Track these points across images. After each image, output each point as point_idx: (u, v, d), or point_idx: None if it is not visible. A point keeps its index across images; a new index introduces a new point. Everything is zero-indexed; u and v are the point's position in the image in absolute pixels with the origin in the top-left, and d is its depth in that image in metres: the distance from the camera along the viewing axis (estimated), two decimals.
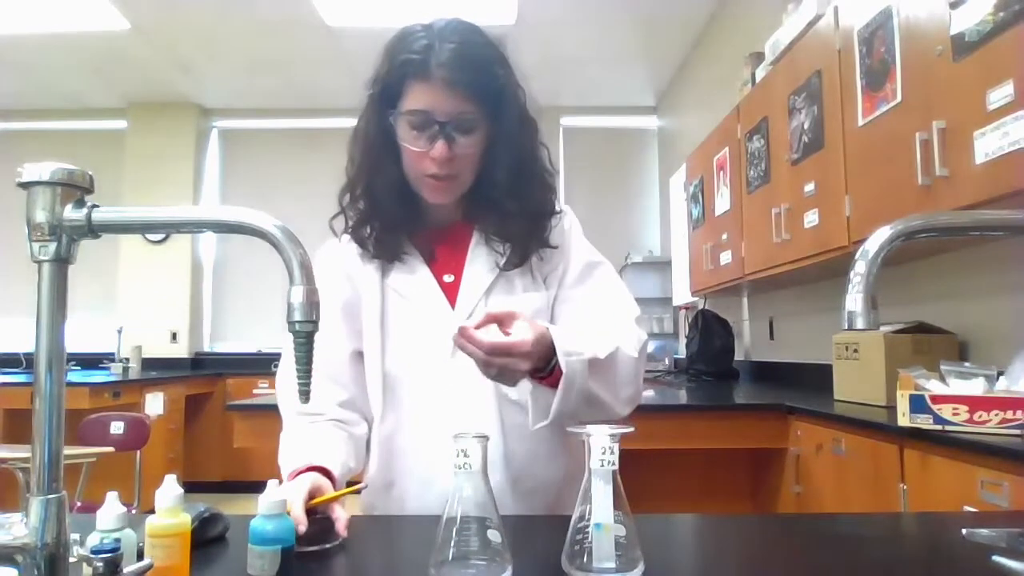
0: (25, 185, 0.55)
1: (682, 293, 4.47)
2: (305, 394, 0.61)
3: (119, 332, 5.37)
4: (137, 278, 5.71)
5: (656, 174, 5.86)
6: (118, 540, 0.60)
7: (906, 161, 1.79)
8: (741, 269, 3.10)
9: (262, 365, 5.45)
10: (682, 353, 4.38)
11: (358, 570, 0.79)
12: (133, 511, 2.08)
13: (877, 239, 0.72)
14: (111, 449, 2.96)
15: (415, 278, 1.06)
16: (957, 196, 1.64)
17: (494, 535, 0.67)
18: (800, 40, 2.51)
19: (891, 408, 1.85)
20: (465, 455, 0.68)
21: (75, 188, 0.56)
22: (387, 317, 1.06)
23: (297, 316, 0.57)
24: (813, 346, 3.03)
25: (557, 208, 1.10)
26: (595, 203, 5.69)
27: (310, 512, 0.81)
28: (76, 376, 4.27)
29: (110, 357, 5.21)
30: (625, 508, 0.68)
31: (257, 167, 6.00)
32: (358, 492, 0.98)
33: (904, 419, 1.61)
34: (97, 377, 4.30)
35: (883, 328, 2.10)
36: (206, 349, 5.92)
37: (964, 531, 0.83)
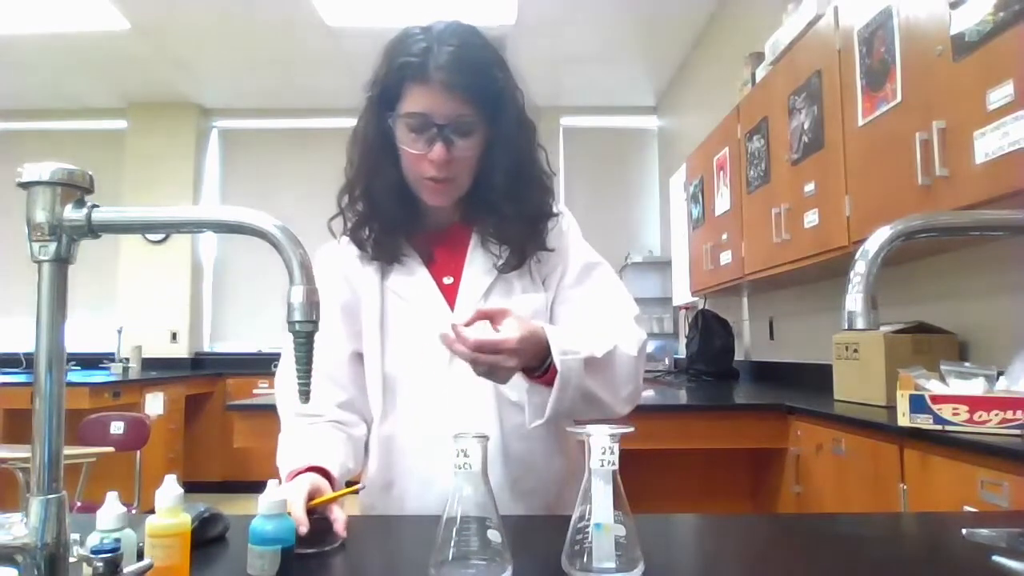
0: (25, 185, 0.55)
1: (682, 293, 4.47)
2: (305, 394, 0.62)
3: (119, 332, 5.37)
4: (137, 278, 5.71)
5: (656, 174, 5.86)
6: (118, 540, 0.60)
7: (906, 161, 1.79)
8: (741, 269, 3.10)
9: (262, 365, 5.44)
10: (682, 353, 4.38)
11: (358, 570, 0.79)
12: (133, 511, 2.09)
13: (877, 239, 0.72)
14: (111, 449, 2.96)
15: (414, 280, 1.06)
16: (957, 196, 1.64)
17: (494, 535, 0.68)
18: (800, 40, 2.51)
19: (891, 408, 1.85)
20: (465, 455, 0.68)
21: (75, 188, 0.56)
22: (386, 319, 1.06)
23: (297, 316, 0.57)
24: (813, 346, 3.03)
25: (555, 210, 1.10)
26: (595, 203, 5.69)
27: (309, 513, 0.81)
28: (76, 376, 4.27)
29: (110, 357, 5.21)
30: (625, 508, 0.68)
31: (257, 167, 6.00)
32: (356, 492, 0.98)
33: (904, 419, 1.61)
34: (97, 377, 4.30)
35: (883, 328, 2.10)
36: (206, 349, 5.92)
37: (964, 531, 0.83)
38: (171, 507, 0.66)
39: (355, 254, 1.08)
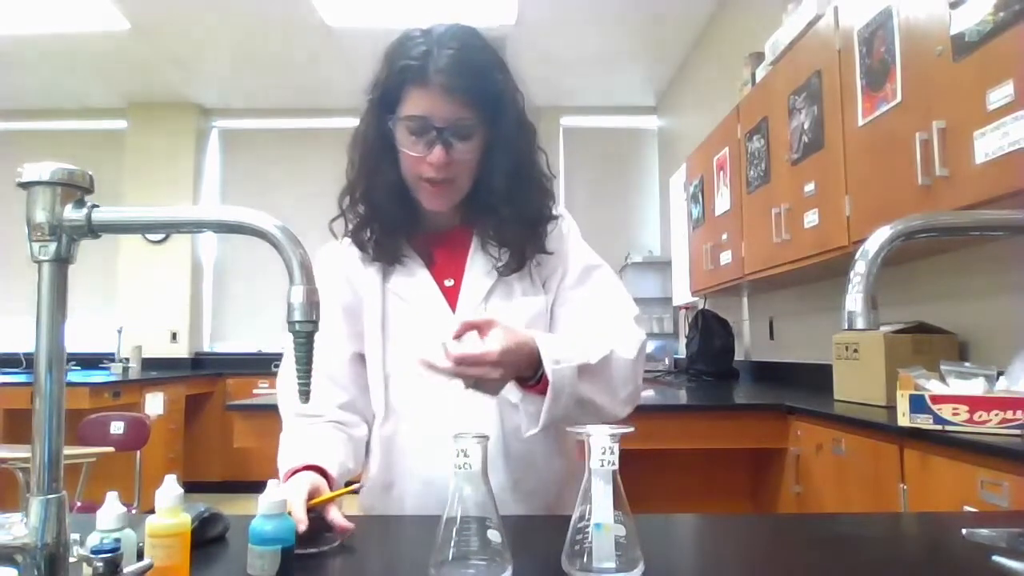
0: (25, 185, 0.55)
1: (682, 293, 4.47)
2: (305, 394, 0.62)
3: (119, 332, 5.37)
4: (137, 278, 5.71)
5: (656, 174, 5.86)
6: (118, 540, 0.60)
7: (906, 161, 1.79)
8: (741, 269, 3.10)
9: (262, 365, 5.45)
10: (682, 353, 4.38)
11: (358, 570, 0.79)
12: (133, 511, 2.09)
13: (877, 239, 0.72)
14: (111, 449, 2.96)
15: (415, 281, 1.07)
16: (957, 196, 1.64)
17: (494, 535, 0.68)
18: (800, 40, 2.51)
19: (891, 408, 1.85)
20: (465, 455, 0.68)
21: (75, 188, 0.56)
22: (388, 320, 1.07)
23: (297, 316, 0.57)
24: (813, 346, 3.03)
25: (555, 213, 1.10)
26: (595, 203, 5.69)
27: (308, 512, 0.81)
28: (76, 376, 4.27)
29: (110, 357, 5.21)
30: (625, 508, 0.68)
31: (257, 167, 6.00)
32: (356, 492, 0.98)
33: (904, 419, 1.61)
34: (97, 377, 4.30)
35: (883, 328, 2.10)
36: (206, 349, 5.92)
37: (964, 531, 0.83)
38: (171, 507, 0.66)
39: (356, 255, 1.09)
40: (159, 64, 5.09)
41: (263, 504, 0.70)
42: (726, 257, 3.29)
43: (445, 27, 0.99)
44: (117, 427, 3.07)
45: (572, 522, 0.69)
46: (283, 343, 0.89)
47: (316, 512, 0.84)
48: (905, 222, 0.73)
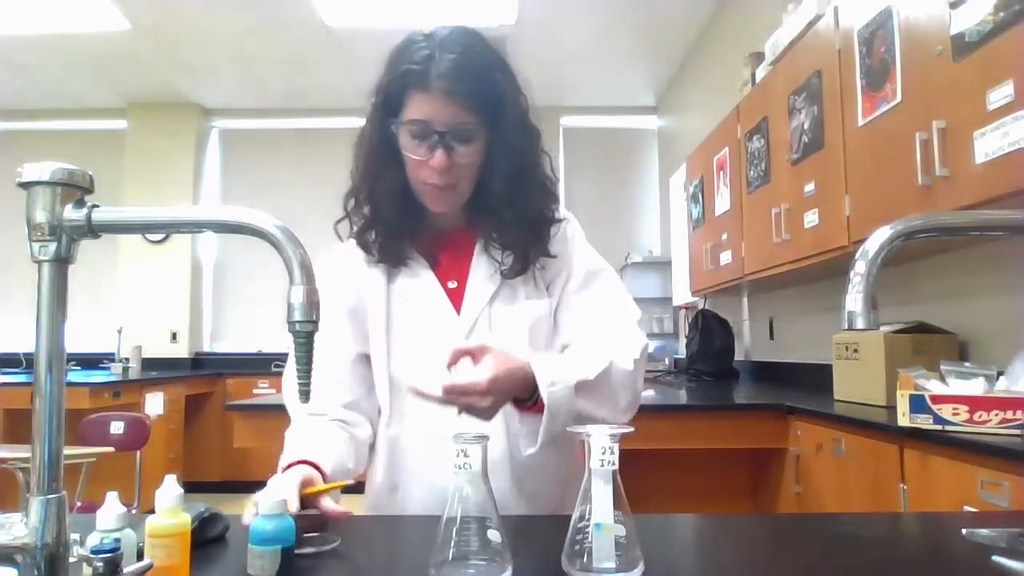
0: (25, 185, 0.55)
1: (682, 293, 4.47)
2: (305, 394, 0.62)
3: (119, 332, 5.37)
4: (137, 278, 5.71)
5: (656, 174, 5.86)
6: (118, 540, 0.60)
7: (906, 161, 1.79)
8: (741, 269, 3.10)
9: (262, 365, 5.45)
10: (682, 353, 4.38)
11: (358, 570, 0.79)
12: (133, 511, 2.08)
13: (877, 239, 0.72)
14: (111, 449, 2.96)
15: (419, 283, 1.08)
16: (957, 196, 1.64)
17: (494, 535, 0.68)
18: (800, 40, 2.51)
19: (891, 408, 1.85)
20: (465, 455, 0.68)
21: (75, 188, 0.56)
22: (392, 322, 1.07)
23: (297, 316, 0.57)
24: (813, 346, 3.03)
25: (559, 216, 1.10)
26: (595, 203, 5.69)
27: (302, 502, 0.82)
28: (76, 376, 4.27)
29: (110, 357, 5.21)
30: (625, 508, 0.68)
31: (257, 167, 6.00)
32: (345, 484, 0.98)
33: (904, 419, 1.61)
34: (97, 377, 4.30)
35: (883, 328, 2.10)
36: (206, 349, 5.92)
37: (964, 531, 0.83)
38: (171, 507, 0.66)
39: (361, 257, 1.09)
40: (159, 64, 5.09)
41: (263, 504, 0.70)
42: (726, 257, 3.29)
43: (448, 30, 0.99)
44: (117, 427, 3.07)
45: (572, 522, 0.69)
46: (288, 343, 0.89)
47: (311, 505, 0.84)
48: (905, 222, 0.73)
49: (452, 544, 0.67)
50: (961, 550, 0.81)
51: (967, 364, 1.68)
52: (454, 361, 0.89)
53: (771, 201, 2.71)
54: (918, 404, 1.58)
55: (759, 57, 3.00)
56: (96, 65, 5.08)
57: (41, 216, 0.55)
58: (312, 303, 0.57)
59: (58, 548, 0.53)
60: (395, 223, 1.05)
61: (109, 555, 0.56)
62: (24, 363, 5.01)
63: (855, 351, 2.24)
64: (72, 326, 0.54)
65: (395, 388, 1.07)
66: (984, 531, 0.82)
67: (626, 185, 5.96)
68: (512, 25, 4.16)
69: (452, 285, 1.08)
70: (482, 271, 1.07)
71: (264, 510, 0.70)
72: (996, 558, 0.72)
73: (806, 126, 2.42)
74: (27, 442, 0.58)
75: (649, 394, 2.91)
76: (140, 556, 0.65)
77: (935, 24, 1.71)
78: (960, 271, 2.13)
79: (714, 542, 0.93)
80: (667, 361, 4.62)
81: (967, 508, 1.39)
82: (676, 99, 5.35)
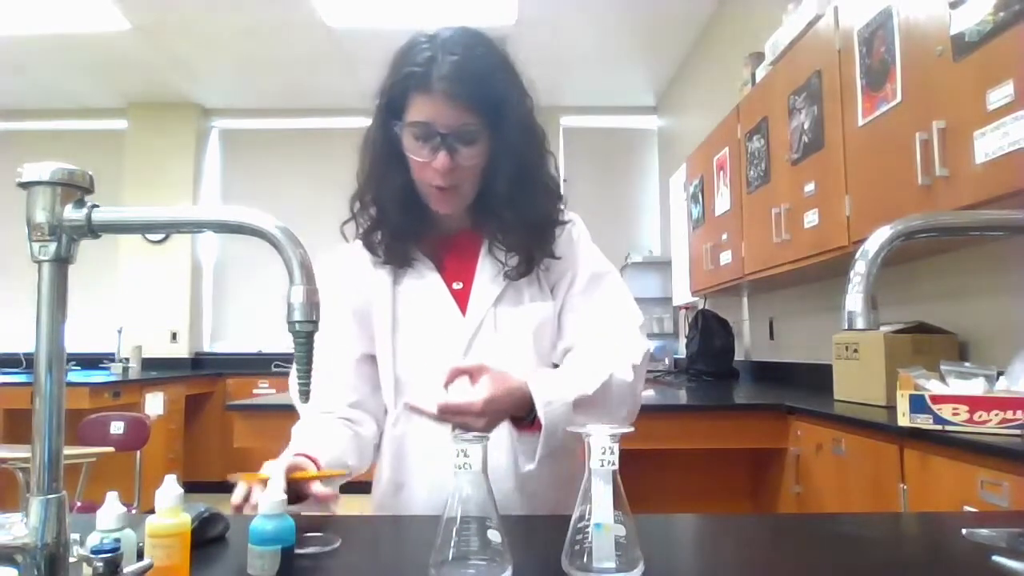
0: (25, 185, 0.55)
1: (682, 293, 4.47)
2: (305, 394, 0.62)
3: (119, 332, 5.37)
4: (137, 278, 5.71)
5: (656, 174, 5.86)
6: (118, 540, 0.60)
7: (906, 161, 1.79)
8: (741, 269, 3.10)
9: (262, 365, 5.45)
10: (682, 353, 4.38)
11: (358, 570, 0.79)
12: (133, 511, 2.08)
13: (877, 239, 0.72)
14: (111, 449, 2.96)
15: (425, 284, 1.08)
16: (957, 196, 1.64)
17: (494, 535, 0.68)
18: (800, 40, 2.51)
19: (891, 408, 1.85)
20: (465, 455, 0.68)
21: (75, 188, 0.56)
22: (398, 322, 1.08)
23: (297, 316, 0.57)
24: (813, 346, 3.03)
25: (564, 218, 1.10)
26: (595, 203, 5.69)
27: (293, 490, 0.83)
28: (76, 376, 4.27)
29: (110, 357, 5.21)
30: (625, 508, 0.68)
31: (257, 167, 6.00)
32: (342, 475, 0.98)
33: (904, 419, 1.61)
34: (97, 377, 4.30)
35: (883, 328, 2.10)
36: (206, 349, 5.92)
37: (964, 531, 0.83)
38: (171, 507, 0.66)
39: (367, 258, 1.10)
40: (159, 64, 5.09)
41: (263, 504, 0.70)
42: (726, 257, 3.29)
43: (451, 31, 0.99)
44: (117, 427, 3.07)
45: (572, 522, 0.69)
46: (289, 343, 0.90)
47: (300, 491, 0.85)
48: (905, 222, 0.73)
49: (452, 544, 0.67)
50: (961, 550, 0.81)
51: (967, 364, 1.68)
52: (451, 380, 0.90)
53: (771, 201, 2.71)
54: (918, 404, 1.58)
55: (759, 57, 3.00)
56: (96, 65, 5.08)
57: (41, 216, 0.55)
58: (312, 303, 0.57)
59: (58, 548, 0.53)
60: (400, 224, 1.06)
61: (109, 555, 0.55)
62: (24, 363, 5.01)
63: (855, 351, 2.24)
64: (72, 326, 0.54)
65: (400, 388, 1.07)
66: (984, 531, 0.82)
67: (626, 185, 5.96)
68: (512, 25, 4.16)
69: (457, 286, 1.08)
70: (487, 272, 1.07)
71: (264, 510, 0.70)
72: (996, 558, 0.72)
73: (806, 126, 2.42)
74: (27, 442, 0.58)
75: (649, 394, 2.91)
76: (140, 556, 0.65)
77: (935, 24, 1.71)
78: (960, 271, 2.13)
79: (714, 542, 0.93)
80: (667, 361, 4.62)
81: (967, 508, 1.39)
82: (676, 99, 5.35)
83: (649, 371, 4.29)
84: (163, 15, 4.31)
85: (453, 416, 0.87)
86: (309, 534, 0.81)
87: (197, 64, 5.12)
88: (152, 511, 0.67)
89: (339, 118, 5.59)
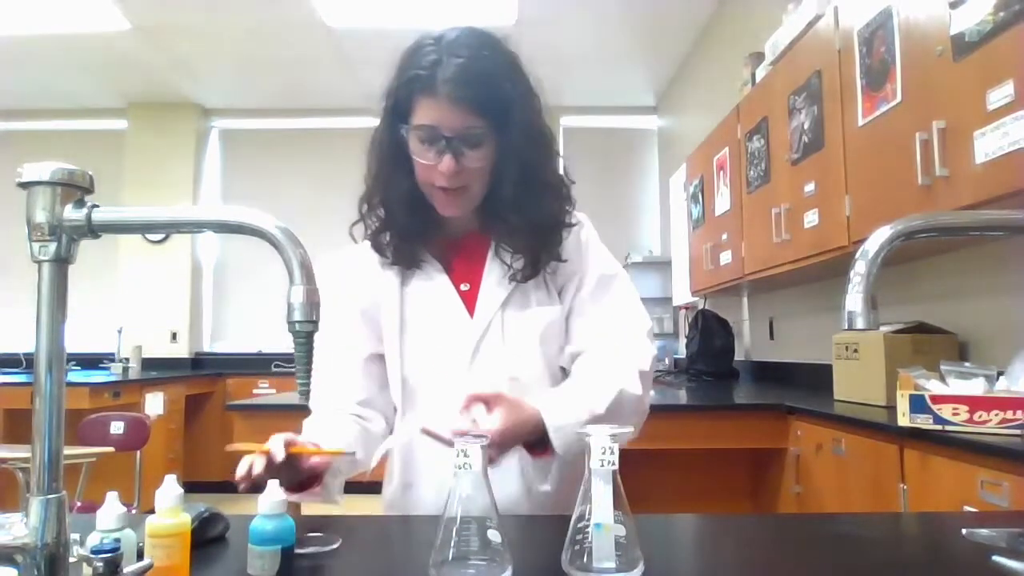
0: (25, 185, 0.55)
1: (682, 293, 4.47)
2: (305, 393, 0.62)
3: (119, 332, 5.37)
4: (137, 278, 5.70)
5: (656, 174, 5.86)
6: (118, 540, 0.60)
7: (906, 161, 1.79)
8: (741, 269, 3.10)
9: (262, 365, 5.45)
10: (682, 353, 4.38)
11: (358, 570, 0.79)
12: (133, 511, 2.08)
13: (877, 239, 0.72)
14: (111, 449, 2.96)
15: (433, 285, 1.09)
16: (957, 196, 1.64)
17: (494, 535, 0.67)
18: (800, 40, 2.51)
19: (891, 408, 1.85)
20: (465, 455, 0.68)
21: (75, 188, 0.56)
22: (406, 324, 1.09)
23: (297, 316, 0.57)
24: (813, 346, 3.03)
25: (572, 220, 1.10)
26: (595, 203, 5.65)
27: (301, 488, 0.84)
28: (76, 376, 4.27)
29: (110, 357, 5.21)
30: (625, 508, 0.68)
31: (257, 167, 6.00)
32: (343, 455, 0.98)
33: (904, 419, 1.61)
34: (97, 377, 4.30)
35: (883, 328, 2.10)
36: (206, 349, 5.92)
37: (964, 531, 0.83)
38: (171, 507, 0.66)
39: (375, 259, 1.11)
40: (159, 64, 5.09)
41: (263, 504, 0.70)
42: (726, 257, 3.29)
43: (458, 32, 0.99)
44: (117, 427, 3.06)
45: (572, 522, 0.69)
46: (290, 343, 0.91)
47: (298, 465, 0.85)
48: (905, 222, 0.73)
49: (452, 544, 0.67)
50: (961, 550, 0.81)
51: (967, 364, 1.68)
52: (468, 406, 0.90)
53: (771, 201, 2.71)
54: (918, 404, 1.58)
55: (759, 57, 3.00)
56: (96, 65, 5.08)
57: (41, 216, 0.55)
58: (312, 303, 0.57)
59: (58, 548, 0.53)
60: (408, 226, 1.06)
61: (109, 555, 0.56)
62: (24, 363, 5.00)
63: (855, 351, 2.24)
64: (72, 326, 0.54)
65: (408, 389, 1.08)
66: (984, 531, 0.82)
67: (626, 185, 5.96)
68: (512, 25, 4.16)
69: (465, 288, 1.09)
70: (495, 275, 1.08)
71: (264, 510, 0.70)
72: (996, 558, 0.72)
73: (806, 126, 2.42)
74: (27, 442, 0.58)
75: (649, 394, 2.90)
76: (140, 556, 0.65)
77: (935, 24, 1.71)
78: (960, 271, 2.13)
79: (714, 542, 0.93)
80: (667, 361, 4.62)
81: (967, 508, 1.39)
82: (676, 99, 5.35)
83: None
84: (163, 15, 4.31)
85: None
86: (309, 534, 0.81)
87: (197, 64, 5.12)
88: (152, 511, 0.67)
89: (339, 118, 5.59)
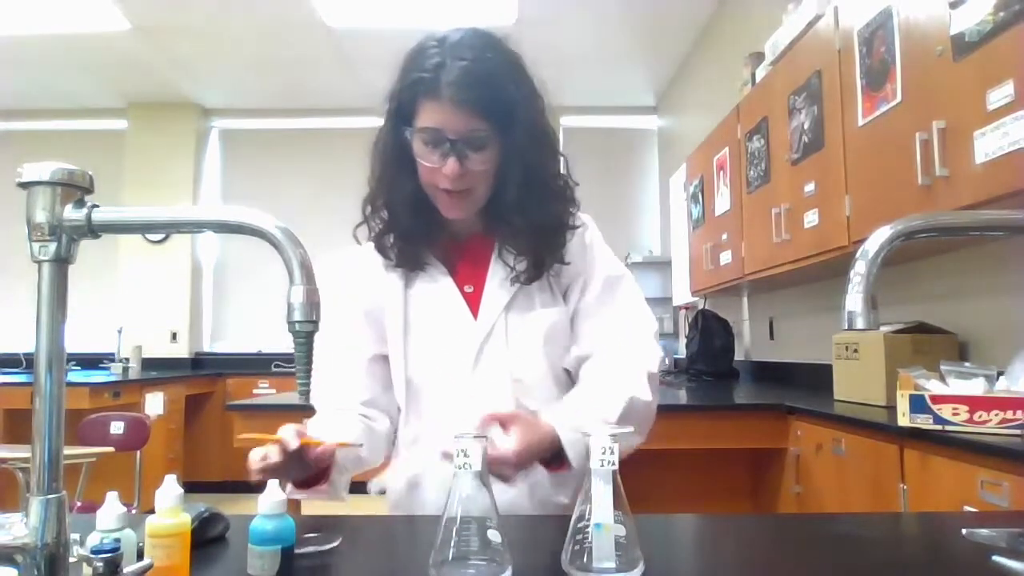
0: (25, 185, 0.55)
1: (682, 293, 4.47)
2: (304, 393, 0.62)
3: (119, 332, 5.37)
4: (137, 278, 5.70)
5: (656, 174, 5.86)
6: (118, 540, 0.60)
7: (906, 161, 1.79)
8: (741, 269, 3.10)
9: (262, 365, 5.45)
10: (682, 353, 4.38)
11: (358, 570, 0.79)
12: (133, 511, 2.08)
13: (877, 239, 0.72)
14: (111, 449, 2.96)
15: (437, 287, 1.09)
16: (957, 196, 1.64)
17: (494, 535, 0.67)
18: (800, 40, 2.51)
19: (891, 408, 1.85)
20: (465, 455, 0.68)
21: (75, 188, 0.56)
22: (409, 325, 1.09)
23: (297, 316, 0.57)
24: (813, 346, 3.03)
25: (576, 222, 1.10)
26: (595, 203, 5.63)
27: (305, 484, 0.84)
28: (76, 376, 4.26)
29: (110, 357, 5.21)
30: (625, 508, 0.68)
31: (257, 167, 6.00)
32: (351, 446, 0.98)
33: (904, 419, 1.61)
34: (97, 377, 4.30)
35: (883, 328, 2.10)
36: (206, 349, 5.92)
37: (964, 531, 0.83)
38: (171, 507, 0.66)
39: (379, 261, 1.11)
40: (159, 64, 5.09)
41: (263, 504, 0.70)
42: (726, 257, 3.29)
43: (461, 34, 0.99)
44: (117, 427, 3.06)
45: (572, 522, 0.69)
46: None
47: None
48: (905, 222, 0.73)
49: (452, 544, 0.67)
50: (961, 550, 0.81)
51: (967, 364, 1.68)
52: (485, 427, 0.91)
53: (771, 201, 2.71)
54: (918, 404, 1.58)
55: (759, 57, 3.00)
56: (96, 65, 5.08)
57: (41, 216, 0.55)
58: (312, 303, 0.57)
59: (58, 548, 0.53)
60: (411, 228, 1.06)
61: (109, 555, 0.55)
62: (24, 363, 5.00)
63: (855, 351, 2.24)
64: (72, 326, 0.54)
65: (413, 390, 1.09)
66: (984, 531, 0.82)
67: (626, 185, 5.95)
68: (512, 25, 4.16)
69: (469, 290, 1.09)
70: (499, 277, 1.08)
71: (264, 510, 0.70)
72: (996, 558, 0.72)
73: (806, 126, 2.42)
74: (27, 442, 0.58)
75: (657, 397, 2.90)
76: (140, 556, 0.65)
77: (935, 24, 1.71)
78: (960, 271, 2.13)
79: (714, 542, 0.93)
80: (667, 361, 4.62)
81: (967, 508, 1.39)
82: (676, 99, 5.35)
83: None
84: (163, 15, 4.31)
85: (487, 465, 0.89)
86: (309, 534, 0.81)
87: (197, 64, 5.12)
88: (152, 511, 0.67)
89: (339, 118, 5.59)
